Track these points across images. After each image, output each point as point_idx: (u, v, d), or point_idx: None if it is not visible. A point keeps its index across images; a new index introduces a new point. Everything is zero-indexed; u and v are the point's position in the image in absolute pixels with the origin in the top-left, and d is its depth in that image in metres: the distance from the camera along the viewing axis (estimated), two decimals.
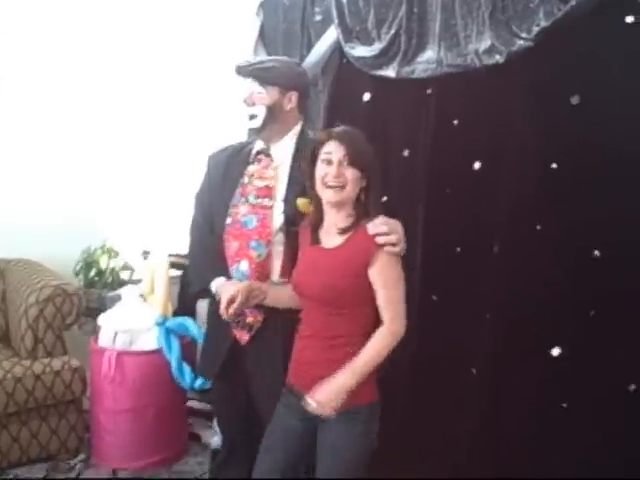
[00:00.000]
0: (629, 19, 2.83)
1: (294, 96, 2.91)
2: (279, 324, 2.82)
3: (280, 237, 2.85)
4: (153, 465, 3.92)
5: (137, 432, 3.89)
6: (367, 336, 2.49)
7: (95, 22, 4.66)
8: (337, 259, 2.50)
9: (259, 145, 2.98)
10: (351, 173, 2.47)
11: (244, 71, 2.87)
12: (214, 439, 3.28)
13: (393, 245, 2.45)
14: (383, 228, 2.45)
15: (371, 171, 2.51)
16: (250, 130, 2.94)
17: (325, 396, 2.42)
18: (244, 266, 2.86)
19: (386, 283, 2.47)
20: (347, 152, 2.47)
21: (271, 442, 2.68)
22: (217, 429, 3.24)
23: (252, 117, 2.88)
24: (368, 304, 2.51)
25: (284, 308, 2.78)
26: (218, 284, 2.86)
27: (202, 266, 3.02)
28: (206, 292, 2.95)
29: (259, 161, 2.94)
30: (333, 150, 2.49)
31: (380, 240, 2.44)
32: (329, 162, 2.49)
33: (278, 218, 2.85)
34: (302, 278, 2.61)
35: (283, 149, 2.93)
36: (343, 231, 2.52)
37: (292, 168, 2.90)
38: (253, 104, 2.87)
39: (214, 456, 3.33)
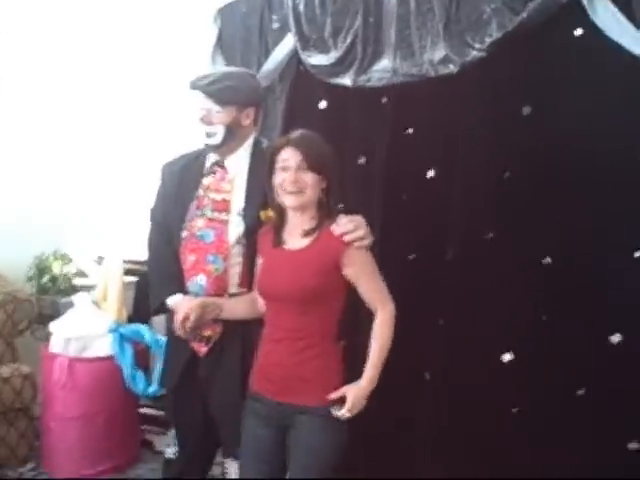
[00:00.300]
0: (578, 32, 2.89)
1: (251, 111, 2.91)
2: (238, 335, 2.82)
3: (237, 250, 2.84)
4: (105, 472, 3.91)
5: (88, 439, 3.88)
6: (335, 334, 2.57)
7: (48, 25, 4.63)
8: (305, 260, 2.52)
9: (213, 157, 2.95)
10: (310, 177, 2.49)
11: (201, 89, 2.82)
12: (168, 449, 3.24)
13: (361, 239, 2.50)
14: (349, 226, 2.49)
15: (330, 173, 2.53)
16: (207, 146, 2.90)
17: (355, 402, 2.49)
18: (201, 280, 2.85)
19: (367, 276, 2.55)
20: (304, 157, 2.49)
21: (250, 460, 2.68)
22: (172, 439, 3.22)
23: (210, 135, 2.85)
24: (336, 302, 2.57)
25: (242, 319, 2.79)
26: (174, 300, 2.85)
27: (159, 282, 2.99)
28: (164, 307, 2.93)
29: (214, 173, 2.93)
30: (290, 156, 2.51)
31: (348, 238, 2.48)
32: (285, 169, 2.51)
33: (235, 232, 2.84)
34: (268, 281, 2.61)
35: (238, 161, 2.92)
36: (307, 233, 2.54)
37: (249, 179, 2.89)
38: (211, 123, 2.84)
39: (167, 465, 3.30)
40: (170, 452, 3.23)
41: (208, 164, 2.96)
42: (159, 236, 3.02)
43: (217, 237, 2.83)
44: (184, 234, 2.88)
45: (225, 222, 2.84)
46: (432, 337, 3.30)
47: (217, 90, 2.80)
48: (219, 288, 2.84)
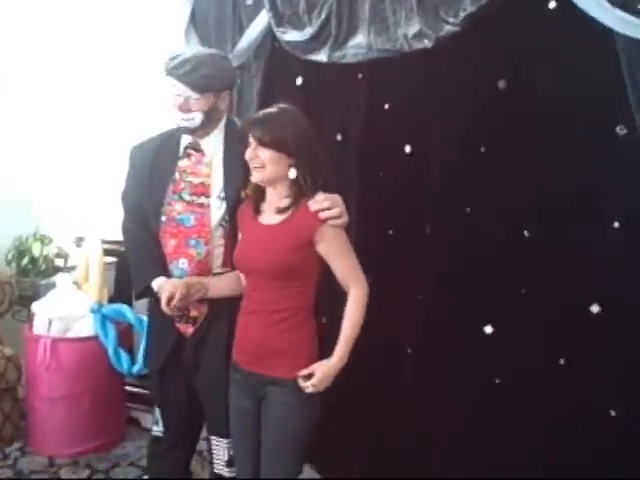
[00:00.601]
0: (552, 4, 2.91)
1: (226, 94, 2.91)
2: (224, 314, 2.83)
3: (219, 233, 2.85)
4: (91, 451, 3.95)
5: (74, 419, 3.91)
6: (310, 308, 2.61)
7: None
8: (280, 235, 2.55)
9: (187, 139, 2.93)
10: (267, 154, 2.52)
11: (179, 78, 2.77)
12: (155, 427, 3.27)
13: (337, 218, 2.53)
14: (325, 204, 2.51)
15: (297, 150, 2.52)
16: (183, 129, 2.90)
17: (323, 378, 2.53)
18: (183, 264, 2.86)
19: (340, 254, 2.57)
20: (259, 134, 2.52)
21: (236, 431, 2.77)
22: (158, 417, 3.24)
23: (187, 120, 2.82)
24: (311, 277, 2.61)
25: (228, 297, 2.80)
26: (158, 283, 2.85)
27: (140, 267, 2.99)
28: (149, 291, 2.92)
29: (189, 156, 2.91)
30: (250, 135, 2.55)
31: (323, 215, 2.50)
32: (248, 146, 2.57)
33: (216, 215, 2.85)
34: (245, 254, 2.65)
35: (214, 142, 2.91)
36: (280, 211, 2.56)
37: (225, 160, 2.90)
38: (189, 110, 2.80)
39: (153, 442, 3.32)
40: (157, 430, 3.25)
41: (182, 146, 2.94)
42: (133, 222, 3.01)
43: (198, 221, 2.84)
44: (163, 218, 2.88)
45: (206, 205, 2.85)
46: (412, 311, 3.34)
47: (196, 79, 2.76)
48: (202, 271, 2.85)
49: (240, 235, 2.74)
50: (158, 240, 2.91)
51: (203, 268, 2.86)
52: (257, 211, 2.65)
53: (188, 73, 2.75)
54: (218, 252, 2.87)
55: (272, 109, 2.63)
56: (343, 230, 2.57)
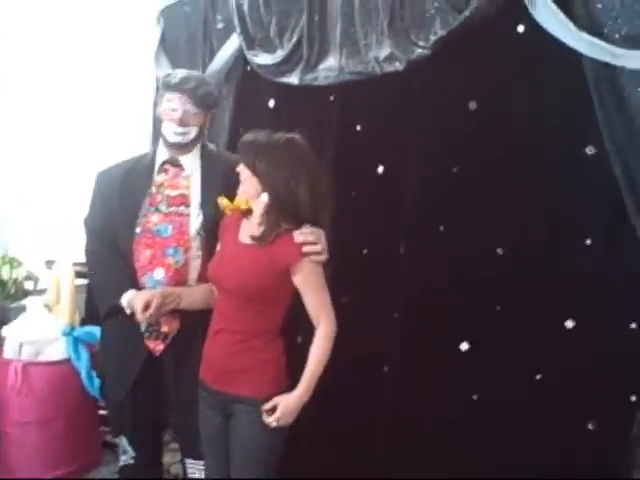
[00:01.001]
0: (520, 28, 2.98)
1: (209, 114, 3.09)
2: (197, 330, 2.84)
3: (197, 243, 2.91)
4: (65, 476, 3.89)
5: (47, 444, 3.86)
6: (274, 334, 2.64)
7: None
8: (258, 257, 2.56)
9: (163, 156, 3.01)
10: (244, 172, 2.58)
11: (187, 92, 2.91)
12: (123, 457, 3.25)
13: (318, 254, 2.56)
14: (310, 237, 2.54)
15: (268, 181, 2.53)
16: (171, 144, 2.96)
17: (286, 413, 2.56)
18: (159, 274, 2.88)
19: (315, 289, 2.59)
20: (240, 152, 2.62)
21: (207, 448, 2.80)
22: (125, 445, 3.23)
23: (180, 134, 2.93)
24: (282, 302, 2.64)
25: (200, 312, 2.82)
26: (129, 296, 2.86)
27: (107, 286, 3.00)
28: (115, 310, 2.93)
29: (166, 171, 2.98)
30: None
31: (307, 249, 2.52)
32: None
33: (195, 224, 2.91)
34: (219, 269, 2.67)
35: (192, 160, 3.00)
36: (254, 239, 2.57)
37: (203, 177, 2.99)
38: (187, 124, 2.93)
39: (124, 471, 3.30)
40: (125, 458, 3.24)
41: (158, 163, 3.01)
42: (98, 243, 3.03)
43: (177, 230, 2.90)
44: (137, 230, 2.91)
45: (185, 215, 2.91)
46: (388, 329, 3.37)
47: (201, 95, 2.94)
48: (178, 282, 2.89)
49: (218, 247, 2.77)
50: (126, 258, 2.93)
51: (179, 279, 2.89)
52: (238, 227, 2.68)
53: (194, 89, 2.92)
54: (196, 264, 2.92)
55: (269, 136, 2.61)
56: (322, 267, 2.59)
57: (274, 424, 2.55)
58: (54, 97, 4.78)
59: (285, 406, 2.55)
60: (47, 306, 4.07)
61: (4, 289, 4.37)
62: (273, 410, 2.55)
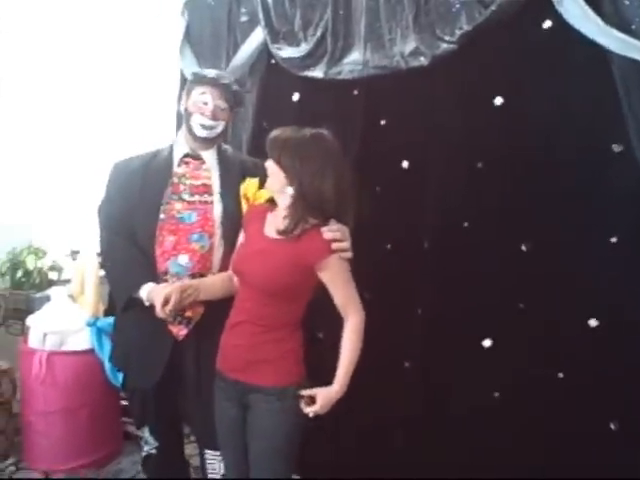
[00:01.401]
0: (547, 24, 2.96)
1: (234, 113, 3.20)
2: (220, 316, 2.80)
3: (220, 232, 2.94)
4: (87, 466, 3.93)
5: (69, 433, 3.90)
6: (296, 325, 2.65)
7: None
8: (284, 252, 2.55)
9: (182, 150, 3.05)
10: (271, 166, 2.58)
11: (216, 86, 3.00)
12: (146, 447, 3.28)
13: (345, 251, 2.56)
14: (338, 234, 2.54)
15: (295, 175, 2.52)
16: (198, 137, 3.01)
17: (325, 405, 2.57)
18: (183, 259, 2.91)
19: (343, 284, 2.59)
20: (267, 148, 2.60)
21: (224, 439, 2.79)
22: (147, 437, 3.26)
23: (208, 127, 2.98)
24: (304, 297, 2.64)
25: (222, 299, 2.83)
26: (149, 289, 2.87)
27: (125, 277, 3.00)
28: (133, 302, 2.94)
29: (187, 164, 3.02)
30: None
31: (335, 246, 2.52)
32: None
33: (218, 212, 2.96)
34: (244, 263, 2.66)
35: (212, 156, 3.06)
36: (280, 233, 2.57)
37: (222, 173, 3.05)
38: (217, 119, 3.00)
39: (148, 462, 3.33)
40: (148, 449, 3.27)
41: (177, 157, 3.04)
42: (114, 233, 3.03)
43: (202, 216, 2.94)
44: (162, 216, 2.93)
45: (209, 203, 2.96)
46: (411, 326, 3.36)
47: (235, 92, 3.07)
48: (204, 267, 2.92)
49: (242, 238, 2.78)
50: (144, 248, 2.95)
51: (205, 263, 2.93)
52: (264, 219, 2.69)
53: (229, 85, 3.04)
54: (219, 252, 2.94)
55: (296, 131, 2.60)
56: (348, 262, 2.60)
57: (311, 415, 2.56)
58: (76, 88, 4.80)
59: (324, 398, 2.56)
60: (71, 296, 4.10)
61: (29, 279, 4.41)
62: (311, 400, 2.56)
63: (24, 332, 4.09)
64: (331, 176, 2.51)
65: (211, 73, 3.06)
